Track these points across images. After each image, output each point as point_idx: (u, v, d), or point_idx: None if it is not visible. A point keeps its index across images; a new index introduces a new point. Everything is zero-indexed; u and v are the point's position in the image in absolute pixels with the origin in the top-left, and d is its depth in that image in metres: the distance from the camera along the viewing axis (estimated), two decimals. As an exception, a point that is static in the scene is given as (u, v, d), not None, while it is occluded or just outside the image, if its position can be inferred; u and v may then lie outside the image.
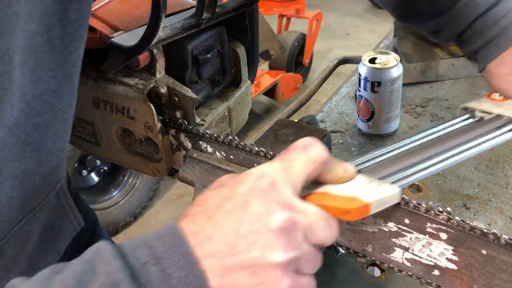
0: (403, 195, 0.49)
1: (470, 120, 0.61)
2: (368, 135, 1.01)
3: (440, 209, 0.47)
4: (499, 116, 0.59)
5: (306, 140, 0.42)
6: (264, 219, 0.37)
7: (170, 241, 0.37)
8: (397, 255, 0.52)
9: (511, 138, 0.56)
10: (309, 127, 0.85)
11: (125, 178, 2.39)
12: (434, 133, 0.58)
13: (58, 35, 0.48)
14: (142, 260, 0.36)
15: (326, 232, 0.41)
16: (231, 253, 0.36)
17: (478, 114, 0.61)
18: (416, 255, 0.50)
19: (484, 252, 0.45)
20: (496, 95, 0.64)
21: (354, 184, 0.45)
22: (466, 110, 0.63)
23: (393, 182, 0.47)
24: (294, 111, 1.14)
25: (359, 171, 0.48)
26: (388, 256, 0.53)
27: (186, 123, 0.69)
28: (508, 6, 0.65)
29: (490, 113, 0.60)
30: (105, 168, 2.40)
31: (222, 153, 0.64)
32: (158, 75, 0.71)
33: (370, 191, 0.44)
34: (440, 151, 0.54)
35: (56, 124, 0.52)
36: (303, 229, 0.39)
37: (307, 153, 0.41)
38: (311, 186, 0.44)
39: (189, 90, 0.70)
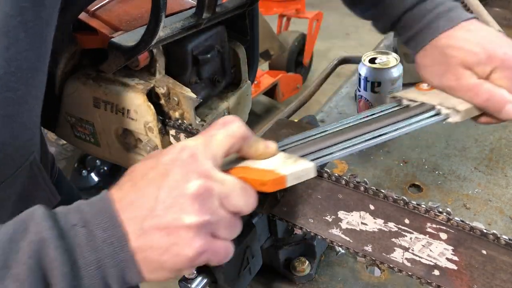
0: (402, 196, 0.49)
1: (398, 108, 0.65)
2: (368, 135, 1.01)
3: (440, 209, 0.47)
4: (423, 104, 0.63)
5: (227, 118, 0.46)
6: (181, 186, 0.41)
7: (98, 206, 0.42)
8: (397, 255, 0.52)
9: (432, 123, 0.61)
10: (309, 127, 0.85)
11: (125, 178, 2.39)
12: (362, 118, 0.62)
13: (31, 19, 0.51)
14: (72, 222, 0.40)
15: (243, 200, 0.44)
16: (150, 216, 0.40)
17: (405, 102, 0.65)
18: (416, 255, 0.50)
19: (484, 252, 0.45)
20: (424, 85, 0.68)
21: (274, 159, 0.49)
22: (394, 98, 0.67)
23: (313, 159, 0.51)
24: (294, 111, 1.14)
25: (283, 150, 0.52)
26: (388, 256, 0.53)
27: (186, 123, 0.69)
28: (435, 2, 0.69)
29: (415, 101, 0.64)
30: (105, 168, 2.40)
31: (222, 153, 0.64)
32: (158, 75, 0.71)
33: (287, 166, 0.48)
34: (364, 133, 0.57)
35: (31, 101, 0.56)
36: (218, 196, 0.42)
37: (226, 129, 0.45)
38: (236, 161, 0.49)
39: (189, 90, 0.70)
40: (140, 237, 0.40)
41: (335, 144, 0.55)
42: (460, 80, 0.65)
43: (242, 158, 0.49)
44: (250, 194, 0.45)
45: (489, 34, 0.67)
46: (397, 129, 0.58)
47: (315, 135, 0.58)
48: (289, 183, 0.47)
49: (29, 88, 0.55)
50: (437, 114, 0.62)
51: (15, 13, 0.49)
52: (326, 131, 0.59)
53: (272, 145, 0.50)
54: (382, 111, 0.63)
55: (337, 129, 0.59)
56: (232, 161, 0.49)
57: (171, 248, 0.40)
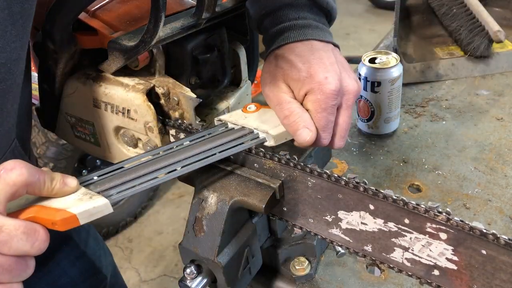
0: (402, 196, 0.49)
1: (224, 130, 0.65)
2: (368, 135, 1.01)
3: (440, 209, 0.47)
4: (243, 127, 0.64)
5: (7, 164, 0.46)
6: None
7: None
8: (397, 255, 0.52)
9: (250, 146, 0.60)
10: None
11: (125, 178, 2.39)
12: (188, 140, 0.62)
13: (18, 11, 0.52)
14: None
15: (25, 243, 0.45)
16: None
17: (230, 125, 0.66)
18: (416, 255, 0.50)
19: (483, 252, 0.45)
20: (251, 107, 0.67)
21: (71, 197, 0.50)
22: (220, 121, 0.67)
23: (118, 193, 0.51)
24: (294, 111, 1.14)
25: (88, 184, 0.52)
26: (388, 256, 0.53)
27: (186, 123, 0.69)
28: (299, 13, 0.67)
29: (237, 125, 0.65)
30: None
31: (222, 153, 0.64)
32: (158, 75, 0.71)
33: (81, 203, 0.48)
34: (182, 159, 0.58)
35: (15, 89, 0.57)
36: None
37: (4, 177, 0.45)
38: (34, 200, 0.49)
39: (189, 90, 0.70)
40: None
41: (148, 173, 0.55)
42: (275, 93, 0.63)
43: (42, 197, 0.49)
44: (37, 235, 0.45)
45: (327, 58, 0.63)
46: (214, 154, 0.58)
47: (137, 164, 0.57)
48: (82, 221, 0.48)
49: (14, 77, 0.56)
50: (257, 137, 0.62)
51: (2, 6, 0.50)
52: (144, 159, 0.59)
53: (71, 182, 0.50)
54: (208, 134, 0.63)
55: (156, 156, 0.59)
56: (29, 201, 0.49)
57: None
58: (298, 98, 0.63)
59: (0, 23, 0.51)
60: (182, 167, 0.56)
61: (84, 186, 0.52)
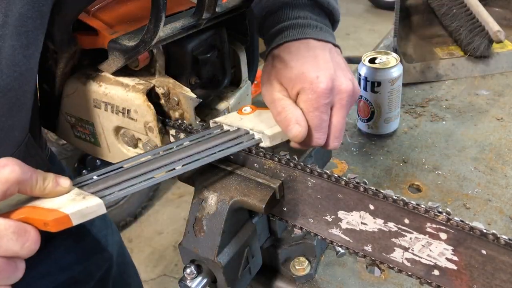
0: (402, 196, 0.49)
1: (220, 132, 0.64)
2: (368, 135, 1.01)
3: (440, 209, 0.47)
4: (239, 129, 0.63)
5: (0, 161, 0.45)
6: None
7: None
8: (397, 255, 0.52)
9: (246, 146, 0.60)
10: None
11: (125, 178, 2.39)
12: (180, 144, 0.61)
13: (46, 22, 0.55)
14: None
15: (17, 244, 0.43)
16: None
17: (225, 127, 0.65)
18: (416, 255, 0.50)
19: (483, 252, 0.45)
20: (246, 109, 0.67)
21: (63, 198, 0.49)
22: (215, 123, 0.67)
23: (111, 194, 0.51)
24: (294, 111, 1.14)
25: (82, 185, 0.51)
26: (388, 256, 0.53)
27: (186, 123, 0.69)
28: (299, 13, 0.67)
29: (232, 126, 0.64)
30: (105, 168, 2.40)
31: (222, 153, 0.64)
32: (158, 75, 0.71)
33: (73, 204, 0.48)
34: (178, 159, 0.57)
35: (33, 87, 0.60)
36: None
37: None
38: (26, 200, 0.48)
39: (189, 90, 0.70)
40: None
41: (144, 174, 0.54)
42: (270, 91, 0.63)
43: (34, 197, 0.48)
44: (27, 236, 0.44)
45: (322, 56, 0.63)
46: (212, 154, 0.58)
47: (131, 165, 0.56)
48: (75, 222, 0.47)
49: (34, 78, 0.59)
50: (252, 138, 0.62)
51: (34, 15, 0.52)
52: (142, 156, 0.58)
53: (63, 182, 0.49)
54: (203, 136, 0.63)
55: (155, 156, 0.58)
56: (21, 201, 0.48)
57: None
58: (291, 97, 0.62)
59: (31, 31, 0.53)
60: (167, 172, 0.55)
61: (78, 187, 0.51)
